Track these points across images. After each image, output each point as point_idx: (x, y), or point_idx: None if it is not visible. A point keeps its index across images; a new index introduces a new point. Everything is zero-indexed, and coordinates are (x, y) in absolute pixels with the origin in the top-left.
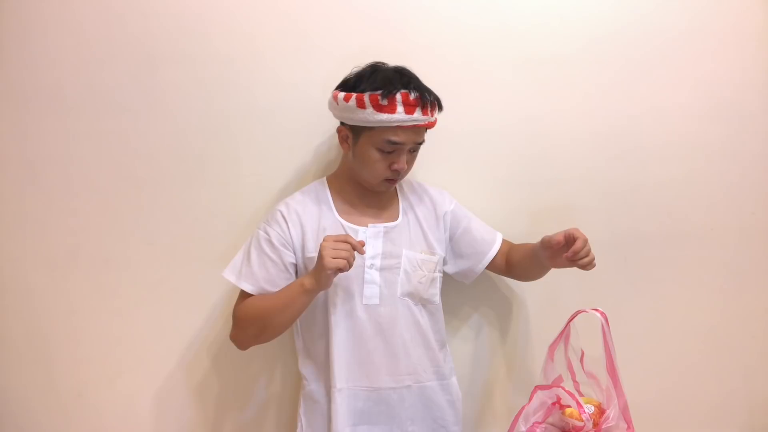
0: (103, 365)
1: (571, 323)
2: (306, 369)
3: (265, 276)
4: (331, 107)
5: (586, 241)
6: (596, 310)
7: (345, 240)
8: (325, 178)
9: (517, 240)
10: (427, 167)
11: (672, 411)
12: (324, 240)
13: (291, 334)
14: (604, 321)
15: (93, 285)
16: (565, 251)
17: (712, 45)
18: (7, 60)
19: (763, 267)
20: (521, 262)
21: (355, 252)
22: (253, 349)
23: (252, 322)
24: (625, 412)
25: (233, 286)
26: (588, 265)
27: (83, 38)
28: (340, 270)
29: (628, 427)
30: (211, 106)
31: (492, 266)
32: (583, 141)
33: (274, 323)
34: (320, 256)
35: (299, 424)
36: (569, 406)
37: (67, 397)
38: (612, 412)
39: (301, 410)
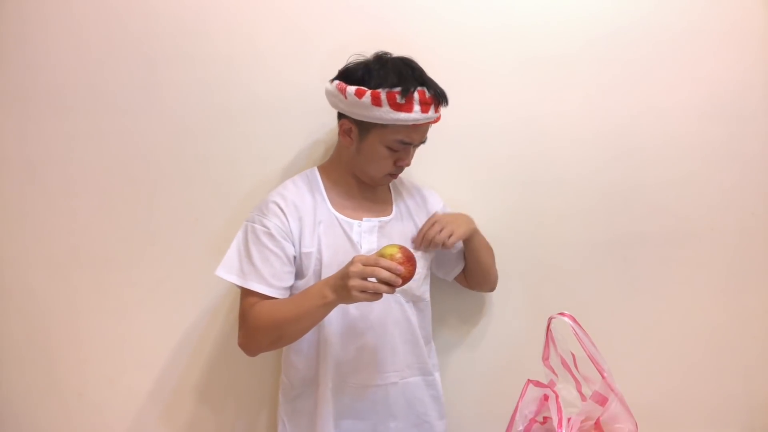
0: (104, 365)
1: (552, 329)
2: (290, 366)
3: (270, 271)
4: (334, 99)
5: (433, 223)
6: (563, 314)
7: (375, 264)
8: (316, 168)
9: (515, 241)
10: (427, 167)
11: (672, 411)
12: (352, 263)
13: None
14: (573, 323)
15: (93, 285)
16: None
17: (712, 45)
18: (7, 60)
19: (763, 267)
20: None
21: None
22: None
23: (265, 332)
24: (624, 406)
25: (232, 285)
26: (439, 244)
27: (83, 38)
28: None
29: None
30: (211, 105)
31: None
32: (583, 141)
33: (290, 332)
34: (347, 285)
35: (280, 424)
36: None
37: (68, 397)
38: (612, 405)
39: (282, 410)
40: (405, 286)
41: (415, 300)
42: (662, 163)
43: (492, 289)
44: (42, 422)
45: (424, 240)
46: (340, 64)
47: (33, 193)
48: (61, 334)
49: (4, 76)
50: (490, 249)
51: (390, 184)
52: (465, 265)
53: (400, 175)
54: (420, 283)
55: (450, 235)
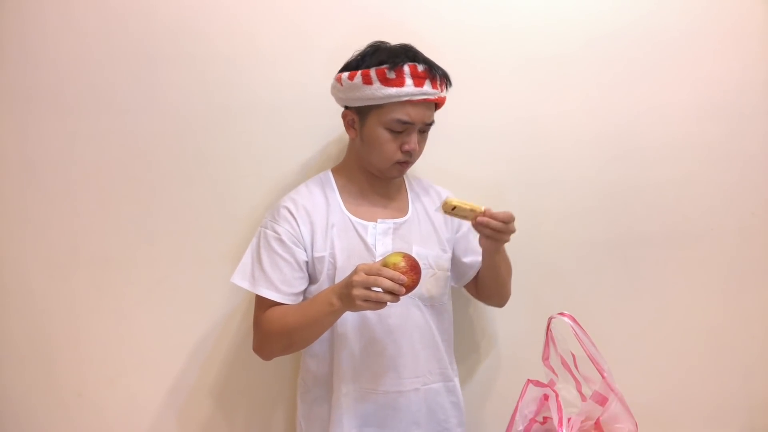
0: (104, 365)
1: (552, 329)
2: (307, 370)
3: (279, 277)
4: (335, 92)
5: (508, 218)
6: (563, 314)
7: (378, 273)
8: (330, 170)
9: (515, 241)
10: (427, 166)
11: (672, 411)
12: (356, 272)
13: None
14: (573, 324)
15: (94, 285)
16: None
17: (712, 45)
18: (7, 60)
19: (763, 267)
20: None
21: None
22: None
23: (278, 338)
24: (624, 406)
25: (235, 285)
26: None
27: (83, 38)
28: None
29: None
30: (212, 105)
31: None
32: (583, 141)
33: (301, 338)
34: (350, 294)
35: (298, 427)
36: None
37: (68, 397)
38: (612, 405)
39: (300, 413)
40: (423, 289)
41: (433, 303)
42: (662, 163)
43: (502, 304)
44: (42, 422)
45: (493, 218)
46: (341, 64)
47: (33, 193)
48: (61, 333)
49: (4, 75)
50: (510, 266)
51: (407, 184)
52: (482, 277)
53: (418, 175)
54: (437, 285)
55: (502, 241)
